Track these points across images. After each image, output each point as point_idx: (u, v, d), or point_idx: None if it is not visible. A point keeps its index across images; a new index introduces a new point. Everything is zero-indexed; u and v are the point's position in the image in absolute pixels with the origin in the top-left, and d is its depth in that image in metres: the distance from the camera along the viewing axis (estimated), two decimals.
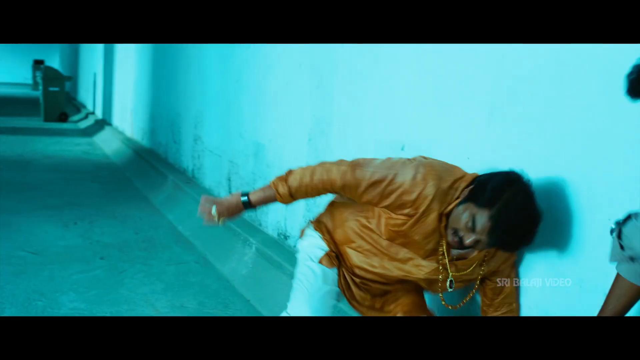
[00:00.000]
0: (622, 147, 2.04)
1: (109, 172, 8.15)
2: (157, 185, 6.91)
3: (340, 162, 2.39)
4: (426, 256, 2.35)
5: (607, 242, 1.96)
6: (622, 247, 1.86)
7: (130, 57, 10.20)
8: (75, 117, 14.60)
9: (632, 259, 1.86)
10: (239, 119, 5.37)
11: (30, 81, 26.98)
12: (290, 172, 2.47)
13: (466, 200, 2.17)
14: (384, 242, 2.39)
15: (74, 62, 19.59)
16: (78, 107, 16.46)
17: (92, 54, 14.94)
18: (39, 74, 25.08)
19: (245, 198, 2.51)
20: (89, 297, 3.89)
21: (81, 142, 10.83)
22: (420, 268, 2.37)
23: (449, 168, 2.30)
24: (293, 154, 4.36)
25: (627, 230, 1.84)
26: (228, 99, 5.67)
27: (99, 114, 13.46)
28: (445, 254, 2.32)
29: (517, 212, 2.09)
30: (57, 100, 13.77)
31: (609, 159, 2.09)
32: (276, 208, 4.55)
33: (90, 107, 15.18)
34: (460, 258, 2.36)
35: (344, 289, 2.55)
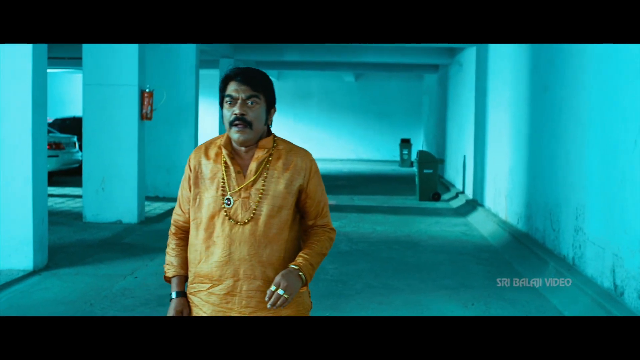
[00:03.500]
0: None
1: (490, 255, 8.96)
2: (538, 270, 7.48)
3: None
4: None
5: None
6: None
7: (504, 145, 11.06)
8: (446, 196, 15.86)
9: None
10: (623, 214, 5.79)
11: (397, 158, 29.53)
12: None
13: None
14: None
15: (440, 142, 21.19)
16: (446, 185, 17.80)
17: (462, 137, 16.19)
18: (405, 152, 27.58)
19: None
20: None
21: (457, 222, 11.89)
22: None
23: None
24: None
25: None
26: (611, 195, 6.13)
27: (468, 194, 14.52)
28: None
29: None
30: (431, 182, 15.20)
31: None
32: None
33: (459, 187, 16.38)
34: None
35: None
